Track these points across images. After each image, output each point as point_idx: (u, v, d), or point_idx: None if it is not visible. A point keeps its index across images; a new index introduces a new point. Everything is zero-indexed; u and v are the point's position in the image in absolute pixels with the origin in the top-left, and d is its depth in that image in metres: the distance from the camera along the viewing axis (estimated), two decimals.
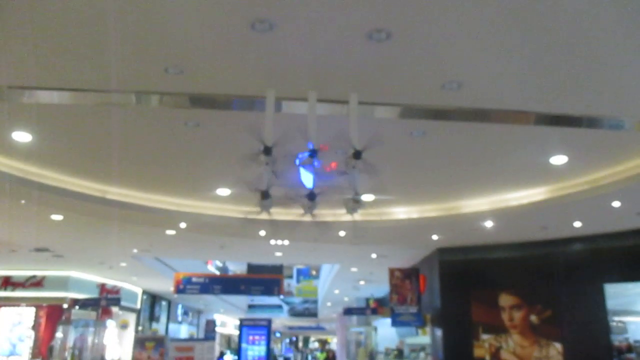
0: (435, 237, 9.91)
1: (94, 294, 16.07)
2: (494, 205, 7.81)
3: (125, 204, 7.60)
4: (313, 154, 3.78)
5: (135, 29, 3.55)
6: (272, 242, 11.36)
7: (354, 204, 3.94)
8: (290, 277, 33.36)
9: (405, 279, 12.77)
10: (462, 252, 10.83)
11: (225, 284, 13.16)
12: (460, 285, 10.72)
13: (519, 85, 4.26)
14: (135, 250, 12.53)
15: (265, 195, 3.82)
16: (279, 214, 8.09)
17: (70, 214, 8.20)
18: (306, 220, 8.03)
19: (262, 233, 9.95)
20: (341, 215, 8.79)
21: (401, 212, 8.58)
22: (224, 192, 7.58)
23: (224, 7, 3.34)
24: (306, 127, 3.87)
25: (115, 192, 7.53)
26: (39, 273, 15.21)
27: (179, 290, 12.74)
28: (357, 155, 3.81)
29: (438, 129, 5.17)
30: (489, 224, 8.56)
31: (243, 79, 4.23)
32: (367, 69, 4.06)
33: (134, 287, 19.61)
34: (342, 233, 9.57)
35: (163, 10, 3.37)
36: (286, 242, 11.40)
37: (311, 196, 3.82)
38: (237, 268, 33.85)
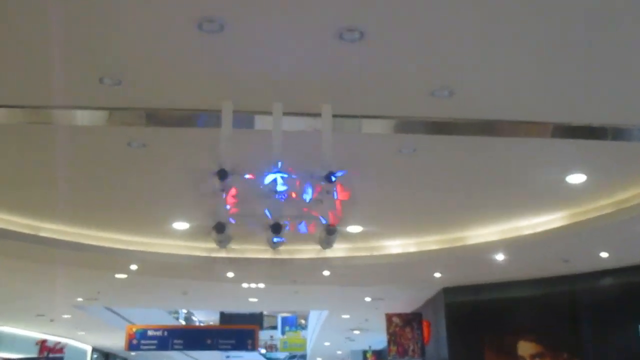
0: (438, 274, 9.87)
1: (31, 353, 15.75)
2: (504, 235, 7.81)
3: (63, 242, 7.50)
4: (276, 178, 3.75)
5: (61, 31, 3.51)
6: (244, 285, 11.26)
7: (328, 237, 3.88)
8: (274, 327, 32.96)
9: (405, 326, 12.69)
10: (471, 292, 10.78)
11: (189, 338, 12.93)
12: (470, 331, 10.65)
13: (525, 91, 4.27)
14: (79, 299, 12.34)
15: (219, 228, 3.76)
16: (249, 251, 8.16)
17: None
18: (281, 257, 8.07)
19: (230, 275, 9.85)
20: (324, 251, 8.78)
21: (396, 245, 8.57)
22: (181, 225, 7.50)
23: (165, 3, 3.31)
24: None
25: (50, 229, 7.43)
26: None
27: (131, 347, 12.48)
28: (329, 177, 3.78)
29: (431, 145, 5.16)
30: (500, 257, 8.54)
31: (194, 90, 4.20)
32: (340, 75, 4.05)
33: (81, 344, 19.27)
34: (326, 272, 9.50)
35: (92, 8, 3.34)
36: (261, 285, 11.32)
37: (275, 228, 3.75)
38: (208, 318, 33.55)
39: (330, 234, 3.90)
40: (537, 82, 4.15)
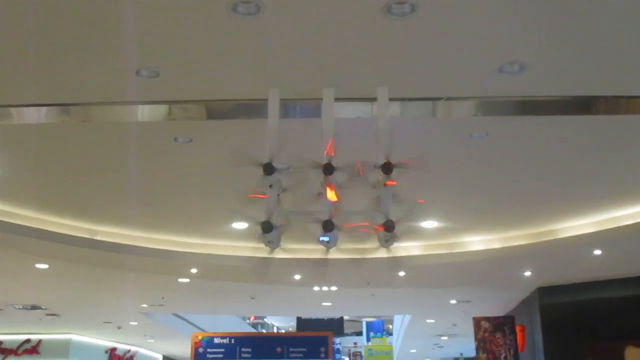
0: (528, 273, 9.64)
1: None
2: (601, 227, 7.52)
3: (118, 246, 7.81)
4: (330, 169, 3.74)
5: (96, 23, 3.62)
6: (315, 288, 11.36)
7: (386, 234, 3.83)
8: (359, 333, 33.13)
9: (496, 332, 12.41)
10: (569, 292, 10.49)
11: (258, 346, 13.10)
12: (570, 336, 10.37)
13: (612, 62, 4.04)
14: (145, 305, 12.81)
15: (266, 227, 3.79)
16: (313, 251, 8.20)
17: (55, 262, 8.47)
18: (349, 258, 8.09)
19: (297, 277, 9.96)
20: (396, 250, 8.77)
21: (477, 242, 8.45)
22: (240, 225, 7.62)
23: None
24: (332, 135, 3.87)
25: (106, 232, 7.73)
26: (33, 337, 15.76)
27: (197, 356, 12.75)
28: (386, 168, 3.74)
29: (506, 128, 5.01)
30: (597, 251, 8.21)
31: (236, 78, 4.24)
32: (393, 55, 3.98)
33: (151, 352, 19.99)
34: (401, 273, 9.44)
35: None
36: (333, 288, 11.39)
37: (327, 226, 3.74)
38: (287, 324, 34.17)
39: (389, 230, 3.85)
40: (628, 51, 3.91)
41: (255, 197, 3.90)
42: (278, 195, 3.97)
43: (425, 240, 8.44)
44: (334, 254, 8.23)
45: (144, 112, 4.73)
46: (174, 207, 7.10)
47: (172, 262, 8.55)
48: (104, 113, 4.69)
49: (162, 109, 4.67)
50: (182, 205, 7.02)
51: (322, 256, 8.23)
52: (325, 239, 3.84)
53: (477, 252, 8.48)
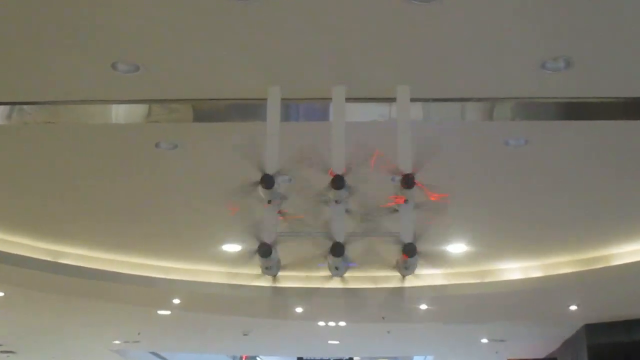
0: (574, 307, 9.63)
1: None
2: None
3: (86, 271, 7.83)
4: (339, 182, 3.76)
5: (58, 6, 3.65)
6: (321, 323, 11.36)
7: (405, 260, 3.83)
8: None
9: None
10: (622, 330, 10.50)
11: None
12: None
13: None
14: (117, 342, 12.82)
15: (263, 251, 3.78)
16: (319, 279, 8.21)
17: (11, 288, 8.47)
18: (360, 287, 8.08)
19: (299, 310, 9.95)
20: (417, 279, 8.75)
21: (514, 269, 8.47)
22: (232, 248, 7.62)
23: None
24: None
25: (72, 254, 7.75)
26: None
27: None
28: (407, 182, 3.74)
29: (548, 135, 5.01)
30: None
31: (229, 73, 4.25)
32: (415, 46, 4.00)
33: None
34: (423, 306, 9.43)
35: None
36: (342, 324, 11.39)
37: (336, 250, 3.74)
38: None
39: (409, 254, 3.85)
40: None
41: (234, 211, 3.96)
42: (278, 212, 3.99)
43: (452, 267, 8.41)
44: (342, 283, 8.25)
45: (120, 113, 4.75)
46: (154, 226, 7.11)
47: (151, 290, 8.56)
48: (73, 113, 4.70)
49: (142, 109, 4.69)
50: (164, 223, 7.03)
51: (329, 285, 8.26)
52: (344, 265, 3.85)
53: (513, 281, 8.48)
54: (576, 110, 4.67)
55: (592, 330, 10.77)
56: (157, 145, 5.14)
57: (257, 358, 31.13)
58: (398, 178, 3.80)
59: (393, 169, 3.85)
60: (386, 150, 4.03)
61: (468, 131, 5.01)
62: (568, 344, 11.93)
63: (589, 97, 4.49)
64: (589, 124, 4.84)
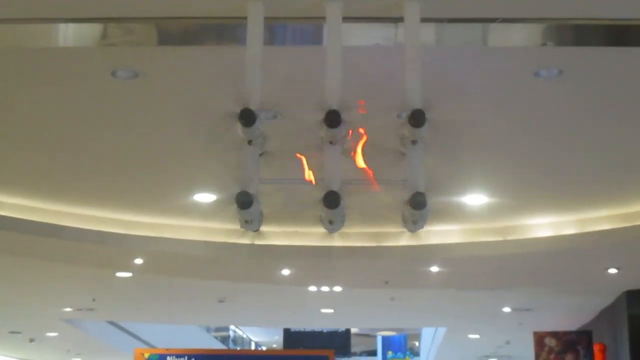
0: (613, 270, 9.74)
1: None
2: None
3: (30, 224, 7.82)
4: (335, 119, 3.78)
5: None
6: (312, 288, 11.44)
7: (414, 212, 3.88)
8: (372, 353, 33.36)
9: (566, 352, 12.57)
10: None
11: None
12: None
13: None
14: (68, 309, 12.91)
15: (243, 201, 3.83)
16: (310, 236, 8.26)
17: None
18: (360, 246, 8.16)
19: (285, 272, 10.02)
20: (427, 235, 8.81)
21: (543, 225, 8.52)
22: (205, 198, 7.68)
23: None
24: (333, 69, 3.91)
25: (13, 205, 7.76)
26: None
27: None
28: (417, 119, 3.77)
29: (587, 63, 5.01)
30: None
31: None
32: None
33: None
34: (433, 268, 9.51)
35: None
36: (337, 289, 11.47)
37: (330, 200, 3.78)
38: (270, 339, 34.43)
39: (418, 206, 3.89)
40: None
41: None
42: (260, 155, 4.02)
43: (469, 222, 8.49)
44: (339, 241, 8.31)
45: (68, 34, 4.71)
46: (110, 171, 7.11)
47: (108, 248, 8.61)
48: (9, 35, 4.67)
49: (94, 30, 4.65)
50: (122, 167, 7.04)
51: (322, 243, 8.31)
52: (336, 219, 3.91)
53: (541, 240, 8.53)
54: (619, 34, 4.65)
55: (634, 298, 10.89)
56: (113, 73, 5.11)
57: (237, 330, 31.55)
58: (406, 114, 3.83)
59: (400, 104, 3.88)
60: (391, 81, 4.06)
61: (490, 59, 4.99)
62: (605, 315, 12.04)
63: (637, 19, 4.46)
64: (635, 51, 4.84)
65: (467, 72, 5.02)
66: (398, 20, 4.08)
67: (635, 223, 8.10)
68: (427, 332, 24.53)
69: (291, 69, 4.68)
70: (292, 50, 4.69)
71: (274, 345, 31.89)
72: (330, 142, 3.85)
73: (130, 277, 10.27)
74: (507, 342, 15.53)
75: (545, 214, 8.41)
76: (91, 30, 4.70)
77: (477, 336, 15.33)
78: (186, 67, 5.05)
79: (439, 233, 8.58)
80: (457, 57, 4.88)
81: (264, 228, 4.17)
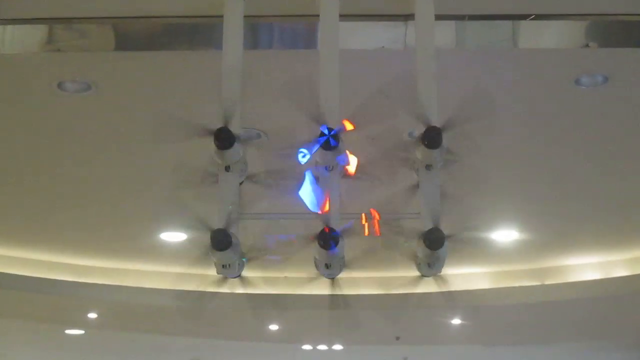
0: None
1: None
2: None
3: None
4: (329, 139, 3.78)
5: None
6: (305, 347, 11.42)
7: (430, 253, 3.86)
8: None
9: None
10: None
11: None
12: None
13: None
14: None
15: (220, 240, 3.80)
16: (295, 282, 8.24)
17: None
18: (365, 294, 8.16)
19: (274, 327, 10.01)
20: (447, 279, 8.76)
21: (586, 266, 8.56)
22: (174, 237, 7.66)
23: None
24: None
25: None
26: None
27: None
28: (432, 138, 3.76)
29: (637, 69, 5.02)
30: None
31: None
32: None
33: None
34: (455, 321, 9.50)
35: None
36: (337, 347, 11.44)
37: (325, 239, 3.76)
38: None
39: (434, 245, 3.87)
40: None
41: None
42: (241, 184, 4.01)
43: (498, 264, 8.49)
44: (337, 287, 8.30)
45: (6, 39, 4.72)
46: (59, 205, 7.12)
47: (55, 299, 8.58)
48: None
49: (38, 32, 4.66)
50: (73, 203, 7.04)
51: (318, 291, 8.30)
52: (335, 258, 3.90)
53: (586, 284, 8.60)
54: None
55: None
56: (60, 85, 5.12)
57: None
58: (418, 132, 3.82)
59: (412, 120, 3.87)
60: (400, 92, 4.05)
61: (522, 64, 5.01)
62: None
63: None
64: None
65: (493, 80, 5.02)
66: (408, 17, 4.08)
67: None
68: None
69: (278, 78, 4.68)
70: (279, 55, 4.69)
71: None
72: (327, 168, 3.84)
73: (82, 334, 10.21)
74: None
75: (590, 252, 8.44)
76: (34, 33, 4.70)
77: None
78: (149, 77, 5.05)
79: (461, 277, 8.58)
80: (481, 62, 4.88)
81: (246, 273, 4.15)
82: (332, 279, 4.16)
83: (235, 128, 3.75)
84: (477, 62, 4.85)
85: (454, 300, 8.73)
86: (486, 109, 4.66)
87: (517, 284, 8.72)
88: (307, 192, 3.86)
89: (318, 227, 3.74)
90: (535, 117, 5.61)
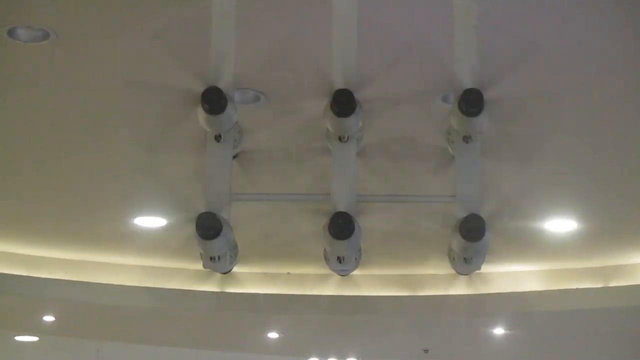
0: None
1: None
2: None
3: None
4: (346, 104, 3.80)
5: None
6: None
7: (467, 245, 3.90)
8: None
9: None
10: None
11: None
12: None
13: None
14: None
15: (208, 226, 3.84)
16: (309, 279, 8.26)
17: None
18: (383, 295, 8.21)
19: (273, 335, 10.06)
20: (487, 278, 8.76)
21: None
22: (150, 222, 7.74)
23: None
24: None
25: None
26: None
27: None
28: (471, 103, 3.78)
29: None
30: None
31: None
32: None
33: None
34: (497, 330, 9.53)
35: None
36: None
37: (340, 226, 3.80)
38: None
39: (472, 236, 3.90)
40: None
41: None
42: (234, 158, 4.03)
43: (553, 260, 8.53)
44: (352, 288, 8.34)
45: None
46: (7, 185, 7.19)
47: (4, 299, 8.65)
48: None
49: None
50: (25, 178, 7.09)
51: (327, 291, 8.34)
52: (346, 252, 3.90)
53: None
54: None
55: None
56: (11, 33, 5.14)
57: None
58: (455, 97, 3.84)
59: (447, 81, 3.89)
60: (432, 47, 4.07)
61: (586, 7, 5.00)
62: None
63: None
64: None
65: (548, 29, 5.01)
66: None
67: None
68: None
69: (280, 29, 4.67)
70: (280, 5, 4.68)
71: None
72: (340, 139, 3.86)
73: (36, 342, 10.27)
74: None
75: None
76: None
77: None
78: (122, 25, 5.07)
79: (506, 276, 8.58)
80: (533, 7, 4.86)
81: (238, 269, 4.17)
82: (346, 275, 4.18)
83: (227, 88, 3.76)
84: (528, 7, 4.84)
85: (497, 304, 8.77)
86: (537, 66, 4.68)
87: (575, 286, 8.71)
88: None
89: (328, 211, 3.77)
90: (602, 75, 5.57)
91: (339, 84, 3.72)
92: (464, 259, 4.03)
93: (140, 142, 6.04)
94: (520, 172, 5.70)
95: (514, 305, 8.81)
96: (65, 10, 4.73)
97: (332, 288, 7.93)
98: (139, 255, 8.41)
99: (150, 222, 7.72)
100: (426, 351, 10.51)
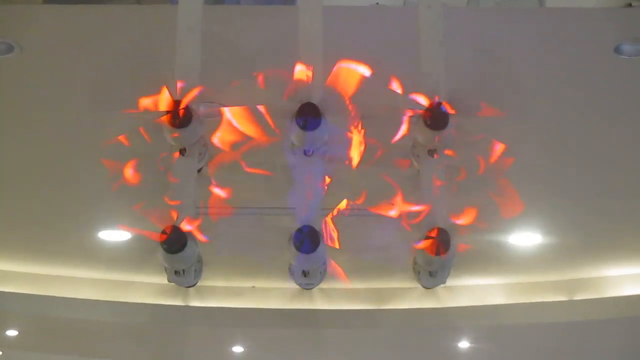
0: None
1: None
2: None
3: None
4: (311, 116, 3.81)
5: None
6: None
7: (430, 259, 3.92)
8: None
9: None
10: None
11: None
12: None
13: None
14: None
15: (173, 240, 3.84)
16: (273, 293, 8.24)
17: None
18: (352, 309, 8.20)
19: (238, 349, 10.05)
20: (453, 292, 8.78)
21: (626, 278, 8.60)
22: (114, 236, 7.72)
23: None
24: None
25: None
26: None
27: None
28: (436, 117, 3.80)
29: None
30: None
31: None
32: None
33: None
34: (462, 344, 9.55)
35: None
36: None
37: (305, 240, 3.81)
38: None
39: (440, 249, 3.91)
40: None
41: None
42: (199, 171, 4.03)
43: (517, 274, 8.54)
44: (319, 302, 8.34)
45: None
46: None
47: None
48: None
49: None
50: None
51: (293, 305, 8.33)
52: (311, 266, 3.91)
53: (626, 299, 8.60)
54: None
55: None
56: None
57: None
58: (419, 110, 3.85)
59: (413, 96, 3.90)
60: (399, 60, 4.09)
61: (549, 27, 5.03)
62: None
63: None
64: None
65: (514, 46, 5.05)
66: None
67: None
68: None
69: (246, 40, 4.69)
70: (248, 13, 4.70)
71: None
72: (305, 152, 3.87)
73: (0, 356, 10.21)
74: None
75: (631, 261, 8.48)
76: None
77: None
78: (86, 37, 5.07)
79: (470, 290, 8.59)
80: (499, 23, 4.90)
81: (203, 282, 4.17)
82: (311, 289, 4.19)
83: (193, 102, 3.77)
84: (494, 23, 4.87)
85: (462, 318, 8.78)
86: (503, 80, 4.71)
87: (540, 299, 8.72)
88: None
89: (293, 225, 3.77)
90: (564, 91, 5.61)
91: (305, 98, 3.72)
92: (429, 272, 4.05)
93: (105, 154, 6.03)
94: (485, 185, 5.71)
95: (479, 319, 8.81)
96: (29, 23, 4.72)
97: (297, 302, 7.93)
98: (104, 269, 8.39)
99: (115, 235, 7.70)
100: None
